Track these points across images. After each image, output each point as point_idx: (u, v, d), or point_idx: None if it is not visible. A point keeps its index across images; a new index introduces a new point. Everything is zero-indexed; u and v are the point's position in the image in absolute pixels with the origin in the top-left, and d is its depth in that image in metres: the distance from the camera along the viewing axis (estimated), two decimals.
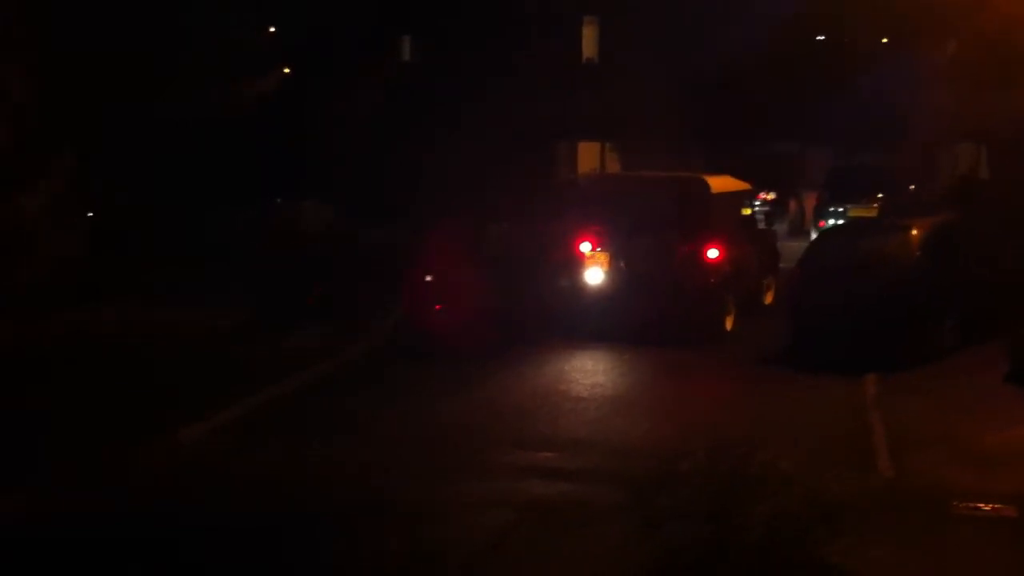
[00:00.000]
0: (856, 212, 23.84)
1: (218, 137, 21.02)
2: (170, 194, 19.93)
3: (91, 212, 19.19)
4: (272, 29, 25.63)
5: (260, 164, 22.05)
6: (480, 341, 14.35)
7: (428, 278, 15.79)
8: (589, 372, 13.18)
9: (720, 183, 16.14)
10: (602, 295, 15.32)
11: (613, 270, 15.27)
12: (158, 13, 19.31)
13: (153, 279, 17.17)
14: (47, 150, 18.10)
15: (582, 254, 15.44)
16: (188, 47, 20.14)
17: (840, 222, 22.80)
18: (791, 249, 18.79)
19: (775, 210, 28.60)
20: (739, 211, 16.78)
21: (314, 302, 16.19)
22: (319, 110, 24.37)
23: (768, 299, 17.18)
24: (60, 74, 17.69)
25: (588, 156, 30.21)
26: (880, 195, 24.63)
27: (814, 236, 20.98)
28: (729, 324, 15.22)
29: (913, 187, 26.20)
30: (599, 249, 15.35)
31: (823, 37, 30.36)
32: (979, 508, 8.41)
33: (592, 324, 15.04)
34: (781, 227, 26.69)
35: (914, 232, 14.31)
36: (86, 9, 18.19)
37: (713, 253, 14.94)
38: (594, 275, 15.35)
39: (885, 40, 29.56)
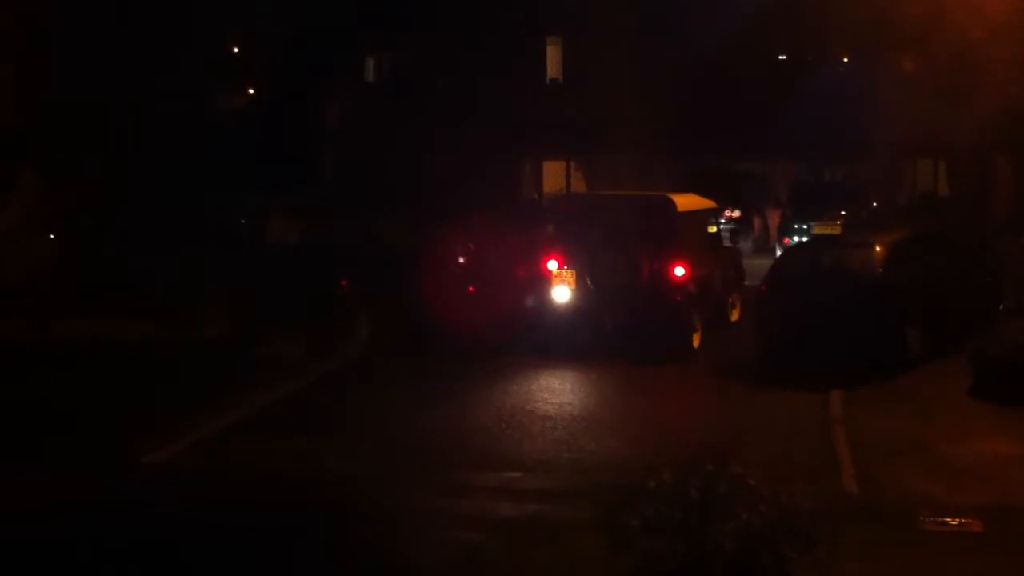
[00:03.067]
0: (820, 229, 23.99)
1: (200, 144, 21.00)
2: (153, 201, 19.87)
3: (65, 225, 19.14)
4: (239, 49, 25.64)
5: (241, 171, 22.03)
6: (448, 356, 14.42)
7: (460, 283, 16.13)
8: (556, 391, 13.16)
9: (686, 201, 16.23)
10: (569, 313, 15.33)
11: (580, 288, 15.28)
12: (140, 26, 19.32)
13: (138, 286, 17.10)
14: (19, 162, 18.06)
15: (549, 272, 15.46)
16: (174, 57, 20.13)
17: (804, 239, 22.96)
18: (756, 267, 18.90)
19: (740, 228, 28.76)
20: (705, 229, 16.85)
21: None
22: (291, 126, 24.39)
23: (734, 316, 17.26)
24: (38, 84, 17.67)
25: (554, 175, 30.29)
26: (843, 212, 24.83)
27: (779, 253, 21.13)
28: (696, 341, 15.27)
29: (876, 204, 26.46)
30: (566, 267, 15.38)
31: (784, 57, 30.65)
32: (946, 522, 8.47)
33: (559, 342, 15.04)
34: (746, 245, 26.84)
35: (877, 248, 14.44)
36: (68, 17, 18.21)
37: (679, 271, 14.99)
38: (561, 293, 15.37)
39: (846, 59, 29.87)
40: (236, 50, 25.85)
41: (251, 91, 26.88)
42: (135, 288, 17.12)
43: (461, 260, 17.44)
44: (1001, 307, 14.96)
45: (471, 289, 16.52)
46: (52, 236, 19.44)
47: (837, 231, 23.44)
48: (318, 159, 25.44)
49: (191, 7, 21.41)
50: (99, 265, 18.05)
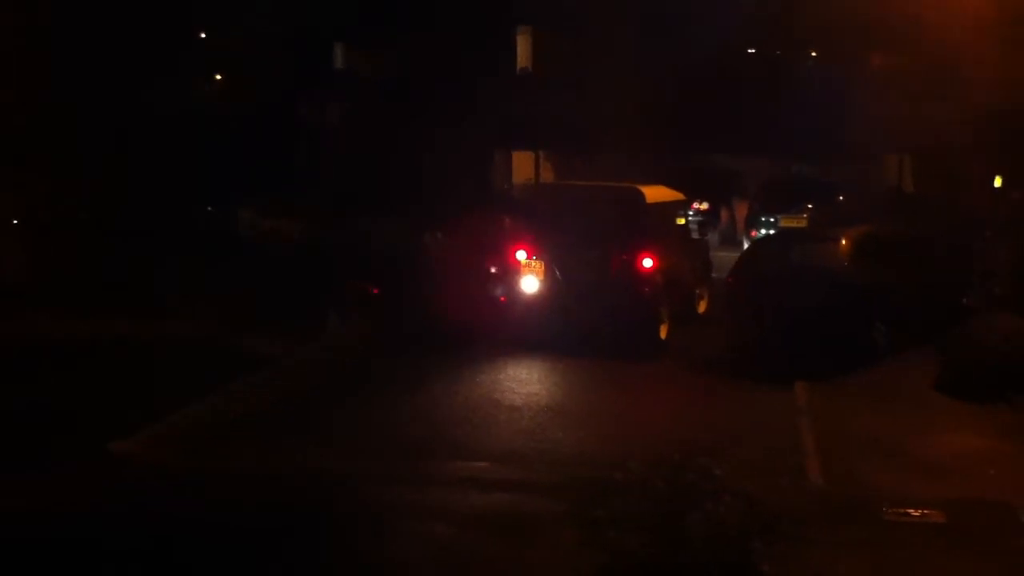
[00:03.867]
0: (787, 222, 24.18)
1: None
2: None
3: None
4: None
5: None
6: (420, 348, 14.38)
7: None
8: (524, 381, 13.14)
9: (655, 193, 16.23)
10: (537, 304, 15.31)
11: (548, 279, 15.27)
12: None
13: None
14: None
15: (517, 262, 15.43)
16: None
17: (771, 232, 23.09)
18: (723, 259, 18.96)
19: (708, 220, 28.85)
20: (673, 221, 16.88)
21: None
22: (271, 122, 24.21)
23: (702, 308, 17.32)
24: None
25: (523, 165, 30.27)
26: (810, 205, 25.01)
27: (746, 245, 21.23)
28: (663, 333, 15.30)
29: (842, 197, 26.64)
30: (534, 258, 15.35)
31: (754, 51, 30.74)
32: (909, 513, 8.54)
33: (527, 333, 15.02)
34: (713, 237, 26.94)
35: (843, 241, 14.52)
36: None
37: (647, 262, 15.00)
38: (529, 283, 15.35)
39: (814, 53, 30.01)
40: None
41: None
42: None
43: (449, 256, 17.38)
44: (964, 300, 15.10)
45: (448, 283, 16.46)
46: (15, 222, 19.21)
47: (803, 224, 23.64)
48: (302, 157, 25.31)
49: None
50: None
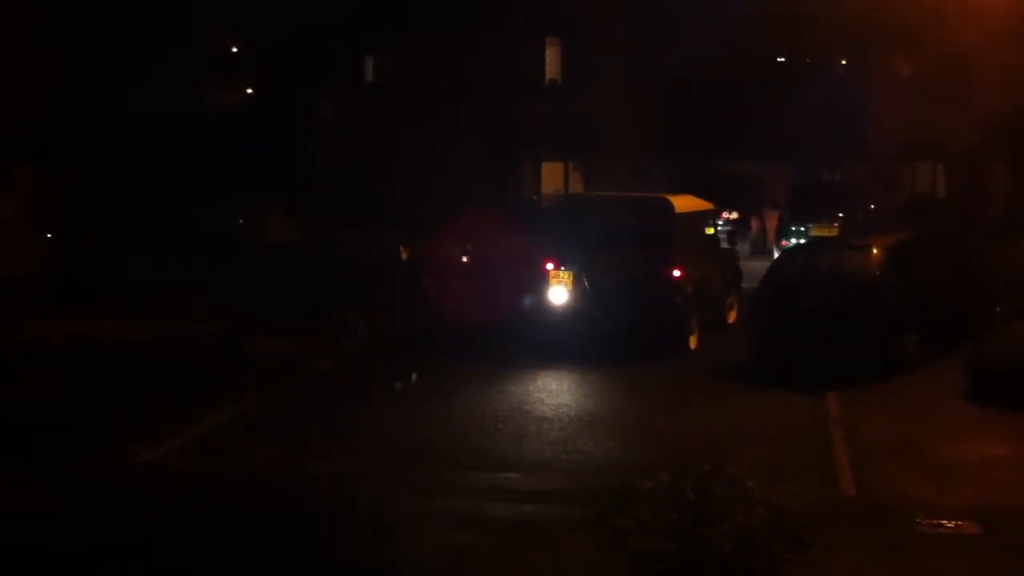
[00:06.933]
0: (818, 231, 24.05)
1: (196, 144, 20.96)
2: (140, 203, 19.83)
3: (56, 224, 19.12)
4: (235, 48, 25.64)
5: (236, 171, 22.00)
6: (444, 357, 14.43)
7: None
8: (553, 392, 13.15)
9: (684, 203, 16.23)
10: (566, 314, 15.32)
11: (577, 289, 15.28)
12: (133, 21, 19.29)
13: (132, 285, 17.06)
14: (15, 161, 18.03)
15: (546, 273, 15.45)
16: (161, 57, 20.11)
17: (802, 241, 22.99)
18: (754, 268, 18.90)
19: (737, 229, 28.74)
20: (703, 230, 16.86)
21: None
22: (285, 125, 24.36)
23: (732, 318, 17.27)
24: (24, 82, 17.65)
25: (552, 176, 30.30)
26: (841, 214, 24.87)
27: (776, 255, 21.14)
28: (693, 343, 15.27)
29: (873, 206, 26.50)
30: (563, 268, 15.37)
31: (783, 59, 30.70)
32: (942, 524, 8.47)
33: (556, 343, 15.04)
34: (743, 246, 26.84)
35: (875, 250, 14.46)
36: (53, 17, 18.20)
37: (677, 272, 15.00)
38: (558, 294, 15.36)
39: (844, 62, 29.92)
40: (234, 49, 25.84)
41: (248, 90, 26.87)
42: (129, 287, 17.07)
43: (462, 261, 17.50)
44: (997, 309, 14.99)
45: (472, 291, 16.56)
46: (49, 236, 19.41)
47: (835, 233, 23.51)
48: (314, 159, 25.49)
49: (190, 6, 21.43)
50: (92, 264, 18.01)
